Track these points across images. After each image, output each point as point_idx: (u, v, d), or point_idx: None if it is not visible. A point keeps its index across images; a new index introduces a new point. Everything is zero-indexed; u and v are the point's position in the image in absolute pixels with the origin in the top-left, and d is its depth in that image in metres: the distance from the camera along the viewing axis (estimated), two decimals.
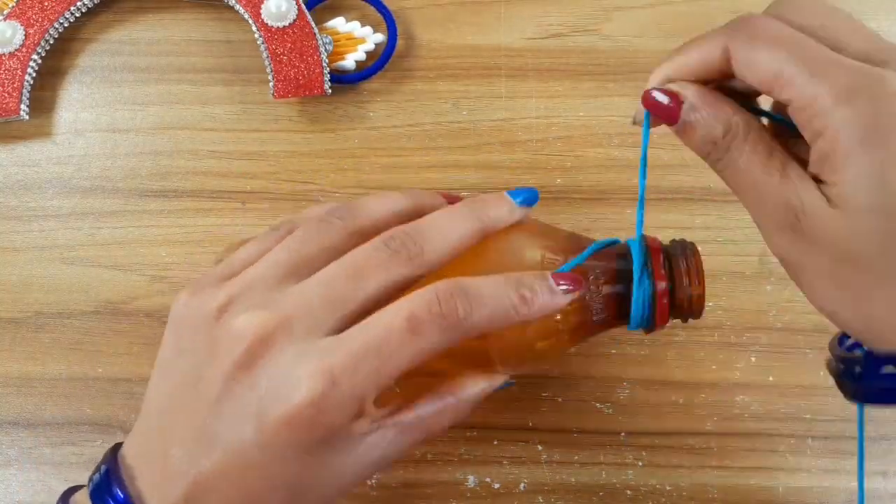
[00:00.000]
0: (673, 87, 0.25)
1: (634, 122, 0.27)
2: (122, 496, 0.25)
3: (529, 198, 0.30)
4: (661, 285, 0.28)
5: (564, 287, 0.27)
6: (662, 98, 0.25)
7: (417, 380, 0.29)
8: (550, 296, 0.26)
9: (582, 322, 0.29)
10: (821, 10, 0.24)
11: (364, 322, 0.25)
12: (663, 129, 0.26)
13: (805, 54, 0.22)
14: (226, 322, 0.25)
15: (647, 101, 0.25)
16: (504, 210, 0.29)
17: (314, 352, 0.24)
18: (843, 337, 0.26)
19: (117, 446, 0.27)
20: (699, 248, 0.29)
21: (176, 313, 0.27)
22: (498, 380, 0.29)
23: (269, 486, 0.25)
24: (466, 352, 0.29)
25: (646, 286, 0.28)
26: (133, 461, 0.26)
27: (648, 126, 0.27)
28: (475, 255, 0.28)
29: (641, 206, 0.28)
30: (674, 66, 0.25)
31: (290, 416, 0.24)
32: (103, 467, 0.26)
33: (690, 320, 0.29)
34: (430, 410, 0.27)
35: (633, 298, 0.28)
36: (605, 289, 0.28)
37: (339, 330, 0.25)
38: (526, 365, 0.31)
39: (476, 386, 0.28)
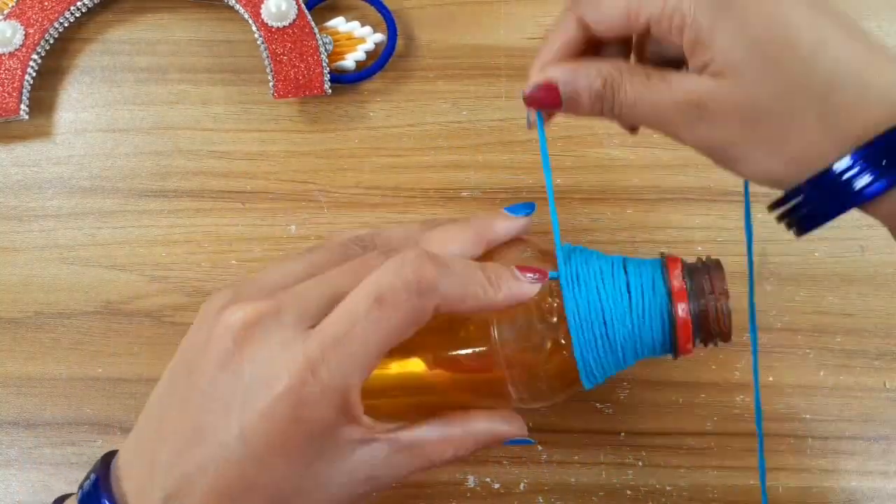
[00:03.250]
0: (540, 77, 0.27)
1: (529, 127, 0.29)
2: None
3: (528, 211, 0.30)
4: (677, 287, 0.27)
5: (530, 276, 0.27)
6: (537, 91, 0.27)
7: (431, 407, 0.28)
8: (516, 282, 0.26)
9: None
10: None
11: (335, 309, 0.24)
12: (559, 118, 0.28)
13: None
14: (222, 314, 0.25)
15: (528, 100, 0.27)
16: (504, 223, 0.30)
17: (299, 341, 0.24)
18: (776, 204, 0.27)
19: (111, 454, 0.27)
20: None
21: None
22: (512, 424, 0.28)
23: (246, 486, 0.24)
24: (480, 382, 0.28)
25: (661, 295, 0.27)
26: (124, 464, 0.26)
27: (543, 124, 0.28)
28: None
29: (553, 211, 0.29)
30: (542, 58, 0.27)
31: (270, 409, 0.23)
32: (93, 475, 0.26)
33: (720, 343, 0.28)
34: (431, 435, 0.27)
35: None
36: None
37: None
38: (539, 389, 0.29)
39: (487, 422, 0.28)
